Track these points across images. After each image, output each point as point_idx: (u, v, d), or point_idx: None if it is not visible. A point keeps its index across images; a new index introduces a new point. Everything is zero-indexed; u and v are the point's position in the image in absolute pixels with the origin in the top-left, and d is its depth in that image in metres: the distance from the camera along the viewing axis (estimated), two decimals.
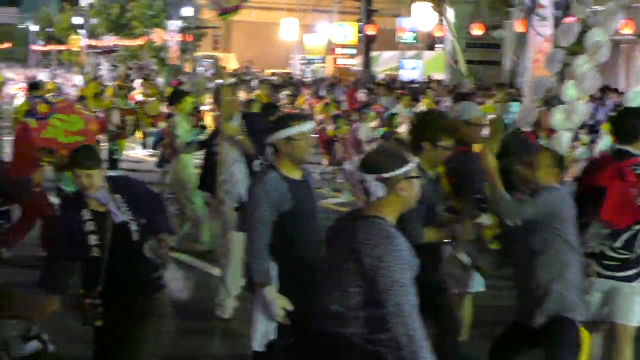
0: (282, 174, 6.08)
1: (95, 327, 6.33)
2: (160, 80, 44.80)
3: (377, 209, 4.65)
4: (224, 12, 9.49)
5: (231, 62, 56.97)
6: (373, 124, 17.03)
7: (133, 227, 6.21)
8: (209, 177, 9.49)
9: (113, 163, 19.16)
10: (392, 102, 25.08)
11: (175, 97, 12.98)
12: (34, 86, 15.99)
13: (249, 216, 6.10)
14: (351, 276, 4.56)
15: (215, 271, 10.26)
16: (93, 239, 6.17)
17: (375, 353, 4.56)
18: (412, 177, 4.69)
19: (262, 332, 6.10)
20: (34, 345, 7.02)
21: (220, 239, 9.77)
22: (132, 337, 6.34)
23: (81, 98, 21.60)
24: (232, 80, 31.31)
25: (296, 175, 6.18)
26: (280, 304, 5.91)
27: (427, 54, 48.76)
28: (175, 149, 12.25)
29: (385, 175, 4.63)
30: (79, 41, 65.85)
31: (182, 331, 9.08)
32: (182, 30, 49.16)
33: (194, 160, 12.80)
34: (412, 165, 4.71)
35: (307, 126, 6.24)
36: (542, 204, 6.18)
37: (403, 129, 18.67)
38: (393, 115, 17.75)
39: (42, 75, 48.02)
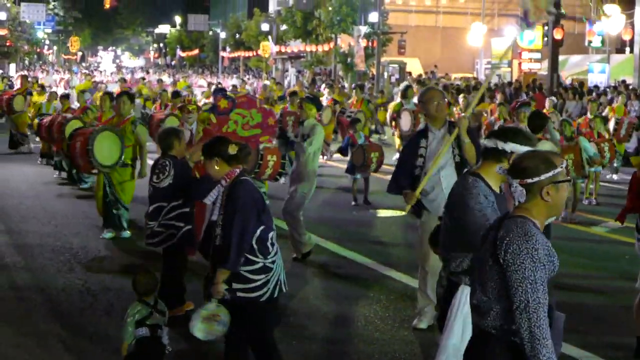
0: (489, 186, 6.03)
1: None
2: (345, 85, 45.28)
3: (525, 211, 4.74)
4: (528, 25, 9.60)
5: (416, 67, 56.99)
6: None
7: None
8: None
9: None
10: (579, 107, 24.60)
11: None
12: (219, 91, 16.46)
13: (470, 219, 5.99)
14: (491, 271, 4.70)
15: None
16: None
17: (512, 343, 4.65)
18: (558, 182, 4.71)
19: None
20: (142, 331, 7.41)
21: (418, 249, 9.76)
22: None
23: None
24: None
25: (496, 188, 6.13)
26: None
27: (616, 57, 47.47)
28: None
29: (529, 180, 4.70)
30: (269, 47, 67.10)
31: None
32: (368, 36, 49.44)
33: None
34: (558, 170, 4.72)
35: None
36: None
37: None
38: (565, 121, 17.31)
39: (232, 82, 49.37)
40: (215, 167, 7.07)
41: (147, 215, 9.90)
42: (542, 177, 4.67)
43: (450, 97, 31.58)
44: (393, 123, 22.57)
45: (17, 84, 36.82)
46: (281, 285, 7.11)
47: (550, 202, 4.70)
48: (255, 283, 6.92)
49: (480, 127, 21.06)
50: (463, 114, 9.06)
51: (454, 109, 27.41)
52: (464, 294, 6.12)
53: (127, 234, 14.08)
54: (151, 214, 9.73)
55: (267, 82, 45.62)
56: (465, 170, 7.07)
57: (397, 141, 22.70)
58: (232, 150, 7.03)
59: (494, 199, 5.92)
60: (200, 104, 25.25)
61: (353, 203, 17.60)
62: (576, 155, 15.78)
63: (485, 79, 10.59)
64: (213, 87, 36.66)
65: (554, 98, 27.24)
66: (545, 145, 12.19)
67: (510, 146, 5.87)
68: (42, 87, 31.26)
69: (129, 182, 14.16)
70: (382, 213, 16.91)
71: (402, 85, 29.97)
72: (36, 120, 21.78)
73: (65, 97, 21.86)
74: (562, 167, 4.72)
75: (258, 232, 6.92)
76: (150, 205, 9.78)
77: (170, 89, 34.27)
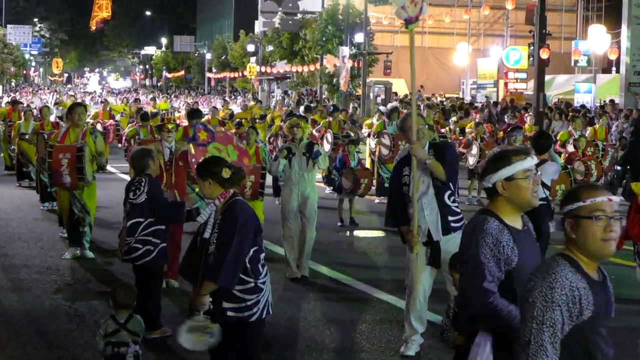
0: (504, 222, 5.14)
1: None
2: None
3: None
4: (409, 21, 9.46)
5: (402, 88, 57.13)
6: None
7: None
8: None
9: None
10: (565, 127, 24.68)
11: None
12: (194, 113, 16.42)
13: (470, 271, 5.16)
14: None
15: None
16: None
17: None
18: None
19: None
20: (107, 349, 7.58)
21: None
22: None
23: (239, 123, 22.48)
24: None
25: (517, 223, 5.24)
26: None
27: (602, 77, 47.74)
28: None
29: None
30: (255, 68, 67.11)
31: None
32: (354, 56, 49.57)
33: None
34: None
35: (530, 162, 5.23)
36: None
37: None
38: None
39: (217, 103, 49.44)
40: (209, 188, 7.12)
41: (123, 231, 9.95)
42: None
43: (438, 116, 31.65)
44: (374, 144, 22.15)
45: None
46: (269, 307, 7.13)
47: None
48: (246, 303, 6.94)
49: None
50: (414, 142, 8.92)
51: (443, 129, 27.44)
52: (486, 348, 5.22)
53: (90, 254, 14.10)
54: (128, 230, 9.78)
55: (251, 103, 45.74)
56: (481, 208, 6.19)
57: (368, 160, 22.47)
58: (226, 174, 7.07)
59: (511, 236, 5.09)
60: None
61: (339, 224, 17.62)
62: (567, 185, 15.93)
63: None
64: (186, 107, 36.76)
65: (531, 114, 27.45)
66: (551, 167, 12.21)
67: (496, 176, 5.17)
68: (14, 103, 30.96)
69: (94, 196, 14.31)
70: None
71: (389, 106, 29.98)
72: (18, 140, 21.78)
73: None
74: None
75: (251, 252, 6.96)
76: (127, 221, 9.83)
77: (149, 109, 34.31)
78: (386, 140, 20.54)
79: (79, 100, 48.14)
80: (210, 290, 6.90)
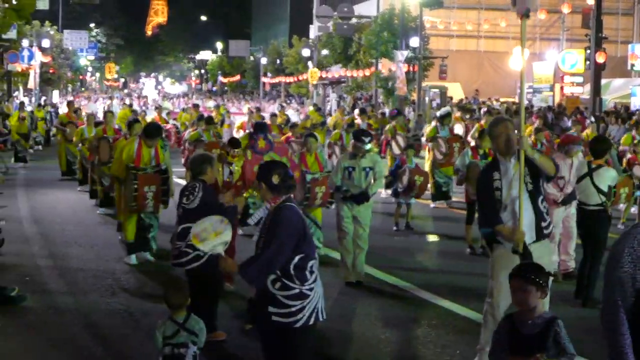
0: None
1: None
2: (386, 110, 45.25)
3: None
4: (526, 12, 9.26)
5: (457, 92, 56.87)
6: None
7: None
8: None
9: None
10: (622, 132, 24.39)
11: None
12: (260, 127, 16.46)
13: (608, 273, 5.10)
14: None
15: None
16: None
17: None
18: None
19: None
20: (166, 349, 7.66)
21: None
22: None
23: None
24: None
25: None
26: None
27: None
28: None
29: None
30: (317, 73, 66.40)
31: None
32: (409, 60, 49.40)
33: None
34: None
35: None
36: None
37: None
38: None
39: (272, 108, 49.59)
40: (262, 190, 7.24)
41: (174, 236, 9.94)
42: None
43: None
44: (428, 149, 21.97)
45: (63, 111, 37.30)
46: (318, 314, 7.10)
47: None
48: (291, 309, 6.95)
49: None
50: (520, 134, 8.67)
51: None
52: None
53: (151, 257, 14.32)
54: (179, 235, 9.75)
55: (310, 108, 45.76)
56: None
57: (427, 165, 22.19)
58: (275, 180, 7.12)
59: None
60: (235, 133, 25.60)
61: (394, 228, 17.55)
62: (630, 188, 15.59)
63: (521, 100, 10.17)
64: (250, 114, 36.87)
65: (592, 119, 27.10)
66: (607, 173, 12.07)
67: None
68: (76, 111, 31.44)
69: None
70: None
71: (442, 110, 29.78)
72: (81, 145, 21.98)
73: (99, 124, 21.71)
74: None
75: (296, 259, 6.97)
76: (178, 226, 9.81)
77: (214, 114, 34.57)
78: (442, 146, 20.40)
79: (134, 106, 48.66)
80: (231, 267, 7.29)
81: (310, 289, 7.03)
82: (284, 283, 6.94)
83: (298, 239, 6.98)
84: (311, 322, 7.04)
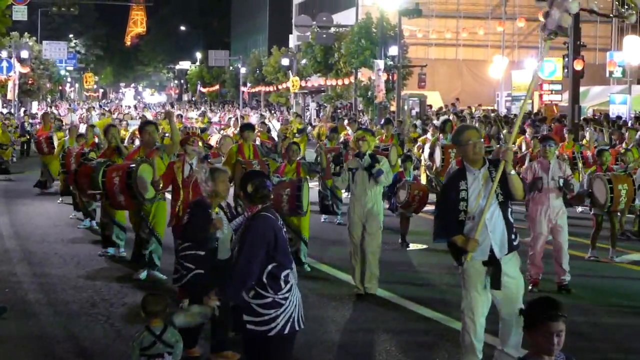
0: None
1: None
2: (366, 119, 45.32)
3: None
4: (551, 33, 8.89)
5: (436, 100, 57.02)
6: None
7: None
8: None
9: None
10: (601, 139, 24.49)
11: None
12: (247, 126, 16.42)
13: None
14: None
15: None
16: None
17: None
18: None
19: None
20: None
21: None
22: None
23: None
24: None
25: None
26: None
27: (637, 88, 47.37)
28: None
29: None
30: (298, 82, 66.10)
31: None
32: (388, 69, 49.50)
33: None
34: None
35: None
36: None
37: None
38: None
39: (253, 118, 49.55)
40: (243, 199, 7.31)
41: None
42: None
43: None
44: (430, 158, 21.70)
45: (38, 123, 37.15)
46: (294, 323, 7.12)
47: None
48: (264, 317, 7.00)
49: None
50: (507, 146, 8.50)
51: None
52: None
53: (161, 276, 13.62)
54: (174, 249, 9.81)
55: (290, 117, 45.77)
56: None
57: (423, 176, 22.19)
58: (249, 188, 7.21)
59: None
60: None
61: (400, 241, 17.10)
62: (630, 186, 15.49)
63: (521, 110, 10.05)
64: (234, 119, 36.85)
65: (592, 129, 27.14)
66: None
67: None
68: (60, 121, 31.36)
69: (163, 219, 13.71)
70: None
71: (441, 118, 29.71)
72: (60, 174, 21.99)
73: (81, 136, 21.50)
74: None
75: (269, 267, 7.02)
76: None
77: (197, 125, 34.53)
78: (437, 153, 20.35)
79: (113, 115, 48.48)
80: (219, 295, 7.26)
81: (285, 298, 7.06)
82: (257, 292, 7.01)
83: (268, 249, 7.01)
84: (286, 331, 7.05)
